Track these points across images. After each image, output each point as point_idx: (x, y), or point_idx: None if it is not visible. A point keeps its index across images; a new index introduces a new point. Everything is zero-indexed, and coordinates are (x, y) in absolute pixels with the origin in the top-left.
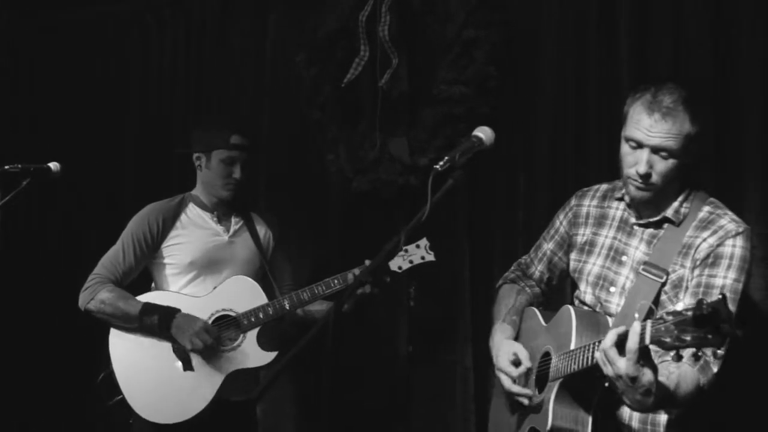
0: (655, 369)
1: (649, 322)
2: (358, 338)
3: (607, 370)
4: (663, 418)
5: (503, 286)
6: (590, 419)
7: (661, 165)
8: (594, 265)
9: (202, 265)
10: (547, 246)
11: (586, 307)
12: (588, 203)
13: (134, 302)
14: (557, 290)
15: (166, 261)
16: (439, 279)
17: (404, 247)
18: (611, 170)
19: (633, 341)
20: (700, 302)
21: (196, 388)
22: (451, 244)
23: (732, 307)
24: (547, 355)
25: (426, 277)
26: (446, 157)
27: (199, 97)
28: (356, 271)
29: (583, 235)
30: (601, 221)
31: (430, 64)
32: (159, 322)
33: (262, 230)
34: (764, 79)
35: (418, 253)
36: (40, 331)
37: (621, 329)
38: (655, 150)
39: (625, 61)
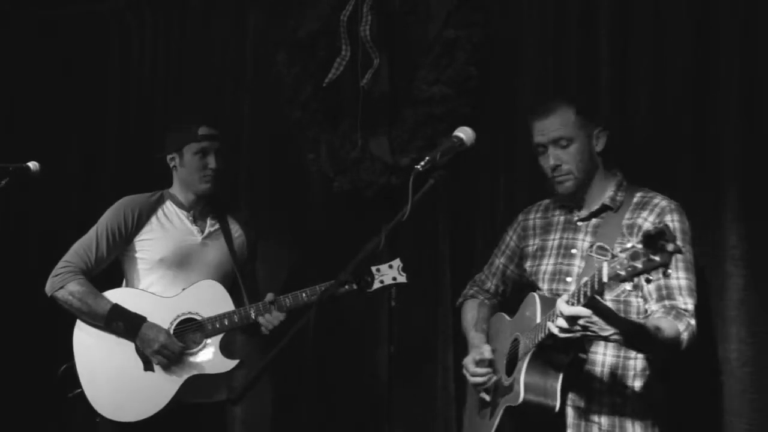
0: (601, 309)
1: (605, 263)
2: (340, 339)
3: (577, 325)
4: (631, 370)
5: (465, 302)
6: (558, 387)
7: (565, 154)
8: (548, 264)
9: (171, 263)
10: (500, 261)
11: None
12: (533, 216)
13: (103, 302)
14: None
15: (137, 255)
16: (421, 279)
17: (377, 267)
18: None
19: (567, 309)
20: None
21: (154, 389)
22: (432, 244)
23: (689, 275)
24: (515, 341)
25: (408, 277)
26: (427, 157)
27: (179, 96)
28: (327, 284)
29: (533, 244)
30: (547, 228)
31: (411, 64)
32: (125, 330)
33: (237, 235)
34: (741, 80)
35: (390, 273)
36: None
37: (565, 295)
38: (554, 143)
39: (606, 61)
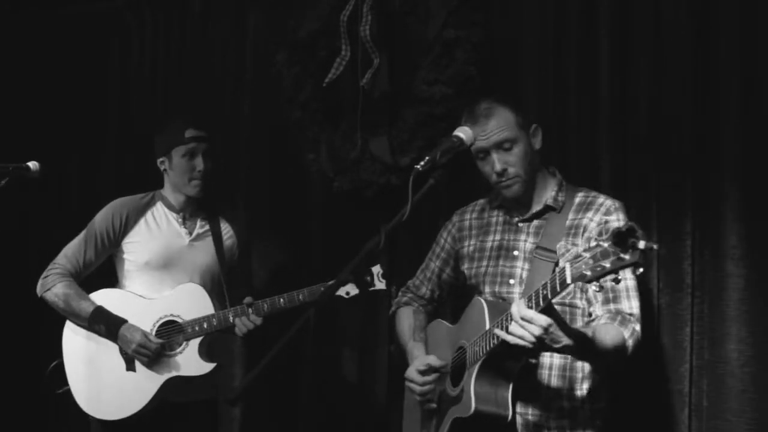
0: (556, 318)
1: (568, 263)
2: (340, 338)
3: (527, 332)
4: (579, 371)
5: (399, 311)
6: (509, 396)
7: (510, 156)
8: (488, 266)
9: (158, 265)
10: (435, 264)
11: None
12: (469, 217)
13: (87, 304)
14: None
15: (125, 257)
16: None
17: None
18: (593, 170)
19: (526, 313)
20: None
21: (136, 389)
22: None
23: (632, 273)
24: (460, 349)
25: (407, 277)
26: (427, 157)
27: (179, 96)
28: (305, 291)
29: (470, 245)
30: (485, 229)
31: (411, 64)
32: (106, 332)
33: (227, 236)
34: (742, 79)
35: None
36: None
37: (524, 299)
38: (498, 147)
39: (606, 61)
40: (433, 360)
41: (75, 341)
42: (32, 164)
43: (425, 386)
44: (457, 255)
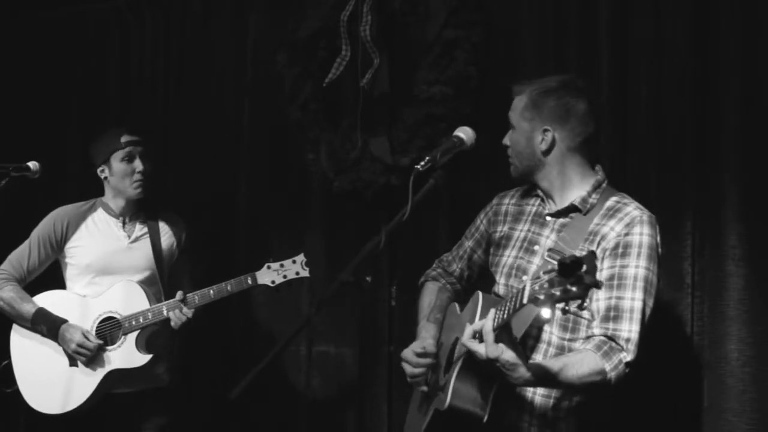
0: (514, 348)
1: (529, 282)
2: (339, 338)
3: (480, 348)
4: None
5: (426, 284)
6: (490, 399)
7: (511, 138)
8: (508, 257)
9: (98, 268)
10: (468, 244)
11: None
12: (508, 201)
13: (29, 306)
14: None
15: (68, 261)
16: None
17: (280, 262)
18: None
19: (487, 325)
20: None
21: (78, 384)
22: (432, 244)
23: (645, 297)
24: (456, 339)
25: (407, 277)
26: (427, 157)
27: (179, 96)
28: (233, 282)
29: (500, 231)
30: (518, 217)
31: (411, 64)
32: (47, 332)
33: (166, 237)
34: (742, 79)
35: (293, 268)
36: None
37: (478, 323)
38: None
39: (606, 61)
40: (430, 345)
41: (20, 342)
42: (32, 164)
43: (417, 368)
44: (489, 239)
